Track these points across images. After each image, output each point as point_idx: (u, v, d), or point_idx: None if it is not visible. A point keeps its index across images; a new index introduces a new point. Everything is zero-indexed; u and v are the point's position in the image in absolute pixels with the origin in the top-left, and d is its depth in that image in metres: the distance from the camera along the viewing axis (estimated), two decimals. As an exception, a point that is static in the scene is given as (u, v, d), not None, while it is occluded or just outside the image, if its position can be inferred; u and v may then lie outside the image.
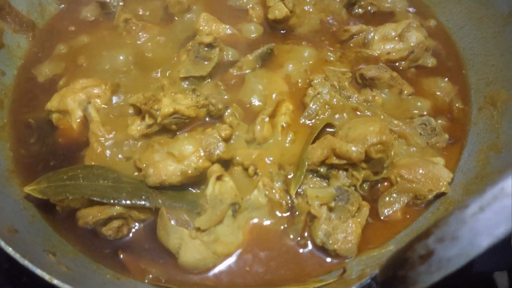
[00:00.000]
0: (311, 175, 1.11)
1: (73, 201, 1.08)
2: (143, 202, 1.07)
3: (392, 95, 1.31)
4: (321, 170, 1.09)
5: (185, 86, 1.31)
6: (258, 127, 1.22)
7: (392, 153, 1.15)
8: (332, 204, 1.04)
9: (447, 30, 1.49)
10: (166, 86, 1.31)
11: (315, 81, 1.29)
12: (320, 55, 1.41)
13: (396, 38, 1.41)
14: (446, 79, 1.37)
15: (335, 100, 1.26)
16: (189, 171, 1.08)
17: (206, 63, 1.35)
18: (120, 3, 1.50)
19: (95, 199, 1.05)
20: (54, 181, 1.09)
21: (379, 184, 1.15)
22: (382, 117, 1.24)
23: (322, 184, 1.10)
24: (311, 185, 1.09)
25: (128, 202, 1.06)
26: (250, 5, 1.54)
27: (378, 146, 1.05)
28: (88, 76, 1.33)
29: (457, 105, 1.32)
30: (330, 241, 1.02)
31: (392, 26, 1.43)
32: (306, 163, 1.10)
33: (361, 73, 1.32)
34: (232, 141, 1.21)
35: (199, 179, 1.12)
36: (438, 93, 1.34)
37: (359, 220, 1.05)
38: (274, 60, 1.40)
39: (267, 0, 1.47)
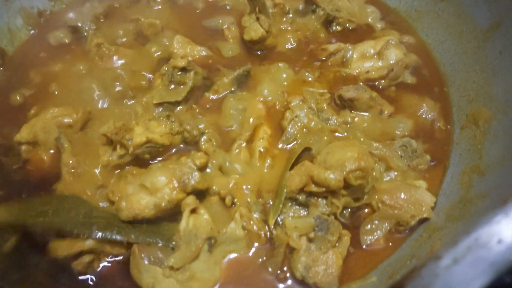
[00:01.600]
0: (290, 203, 1.07)
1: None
2: (114, 237, 1.03)
3: (372, 116, 1.28)
4: (300, 198, 1.05)
5: (159, 112, 1.27)
6: (235, 152, 1.18)
7: (373, 177, 1.10)
8: (312, 235, 1.00)
9: (427, 45, 1.46)
10: (140, 113, 1.27)
11: (292, 104, 1.26)
12: (298, 75, 1.39)
13: (375, 56, 1.38)
14: (428, 97, 1.34)
15: (313, 123, 1.23)
16: (163, 204, 1.04)
17: (181, 87, 1.31)
18: (92, 27, 1.46)
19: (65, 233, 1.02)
20: (25, 211, 1.07)
21: (360, 211, 1.11)
22: (362, 139, 1.20)
23: (302, 213, 1.05)
24: (290, 214, 1.05)
25: (99, 235, 1.02)
26: (226, 26, 1.51)
27: (357, 172, 1.01)
28: (60, 104, 1.29)
29: (439, 124, 1.29)
30: (310, 275, 0.98)
31: (371, 44, 1.41)
32: (285, 191, 1.06)
33: (339, 94, 1.28)
34: (208, 170, 1.17)
35: (174, 211, 1.07)
36: (420, 112, 1.30)
37: (340, 250, 1.01)
38: (251, 82, 1.37)
39: (242, 20, 1.44)
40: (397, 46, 1.38)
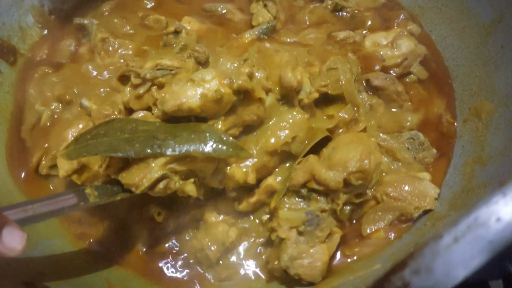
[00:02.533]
0: (293, 195, 1.08)
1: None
2: (156, 150, 0.97)
3: (389, 108, 1.29)
4: (303, 191, 1.07)
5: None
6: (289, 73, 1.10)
7: (380, 171, 1.12)
8: (302, 228, 1.02)
9: (431, 40, 1.47)
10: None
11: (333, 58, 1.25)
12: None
13: (389, 46, 1.39)
14: (436, 91, 1.36)
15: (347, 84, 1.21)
16: (209, 94, 0.99)
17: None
18: (95, 22, 1.47)
19: (109, 154, 0.97)
20: (80, 142, 1.02)
21: (364, 204, 1.13)
22: (372, 130, 1.22)
23: (301, 205, 1.07)
24: (286, 206, 1.07)
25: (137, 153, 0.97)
26: (224, 11, 1.53)
27: (358, 174, 1.02)
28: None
29: (446, 117, 1.31)
30: (294, 265, 1.00)
31: (383, 35, 1.42)
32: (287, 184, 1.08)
33: (367, 79, 1.28)
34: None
35: (216, 111, 1.04)
36: (428, 105, 1.32)
37: (328, 246, 1.03)
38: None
39: (251, 7, 1.47)
40: (409, 37, 1.40)
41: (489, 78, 1.26)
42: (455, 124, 1.30)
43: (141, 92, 1.09)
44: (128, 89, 1.12)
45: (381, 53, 1.37)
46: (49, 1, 1.55)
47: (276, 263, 1.04)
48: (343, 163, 1.02)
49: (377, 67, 1.34)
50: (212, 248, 1.10)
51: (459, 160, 1.23)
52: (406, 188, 1.11)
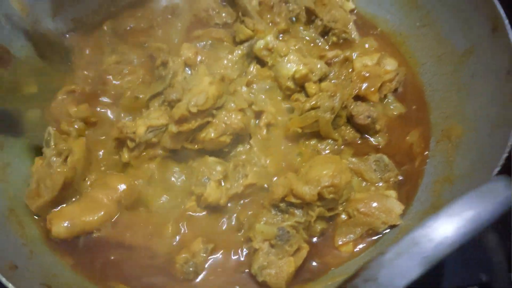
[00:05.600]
0: (271, 209, 1.21)
1: None
2: None
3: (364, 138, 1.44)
4: (281, 205, 1.20)
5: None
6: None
7: (351, 188, 1.27)
8: (273, 242, 1.15)
9: (410, 66, 1.59)
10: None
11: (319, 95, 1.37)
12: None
13: (376, 65, 1.51)
14: (410, 114, 1.48)
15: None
16: None
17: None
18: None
19: None
20: None
21: (337, 218, 1.27)
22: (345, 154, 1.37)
23: (277, 219, 1.20)
24: (263, 219, 1.19)
25: None
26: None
27: (330, 188, 1.17)
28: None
29: (420, 146, 1.42)
30: (263, 273, 1.13)
31: (366, 58, 1.53)
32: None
33: (351, 114, 1.39)
34: None
35: None
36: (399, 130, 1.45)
37: (295, 260, 1.15)
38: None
39: (234, 28, 1.57)
40: (391, 57, 1.54)
41: (461, 104, 1.37)
42: (426, 152, 1.40)
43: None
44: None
45: (374, 73, 1.47)
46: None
47: (246, 270, 1.19)
48: (318, 179, 1.17)
49: (375, 86, 1.44)
50: None
51: (431, 178, 1.34)
52: (375, 204, 1.24)
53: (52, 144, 1.26)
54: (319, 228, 1.25)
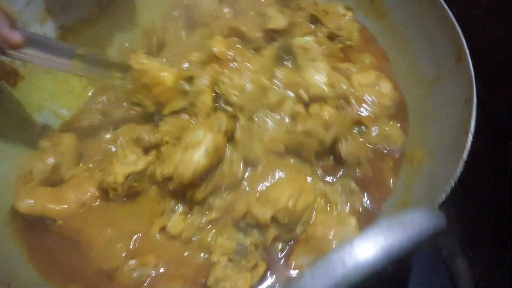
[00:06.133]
0: (233, 226, 1.26)
1: None
2: None
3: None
4: (241, 224, 1.24)
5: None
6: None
7: (312, 209, 1.28)
8: (231, 256, 1.20)
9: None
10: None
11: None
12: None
13: (373, 87, 1.50)
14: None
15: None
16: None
17: None
18: None
19: None
20: None
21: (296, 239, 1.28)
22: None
23: (239, 235, 1.24)
24: (226, 235, 1.24)
25: None
26: None
27: (285, 211, 1.18)
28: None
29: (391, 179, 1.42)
30: (217, 286, 1.17)
31: (364, 75, 1.53)
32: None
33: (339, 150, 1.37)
34: None
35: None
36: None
37: (251, 275, 1.19)
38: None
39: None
40: (387, 79, 1.54)
41: (424, 130, 1.41)
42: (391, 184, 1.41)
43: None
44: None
45: (371, 96, 1.47)
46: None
47: (203, 281, 1.22)
48: (274, 201, 1.19)
49: (374, 112, 1.45)
50: None
51: (392, 200, 1.38)
52: (333, 230, 1.24)
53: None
54: (280, 246, 1.28)
